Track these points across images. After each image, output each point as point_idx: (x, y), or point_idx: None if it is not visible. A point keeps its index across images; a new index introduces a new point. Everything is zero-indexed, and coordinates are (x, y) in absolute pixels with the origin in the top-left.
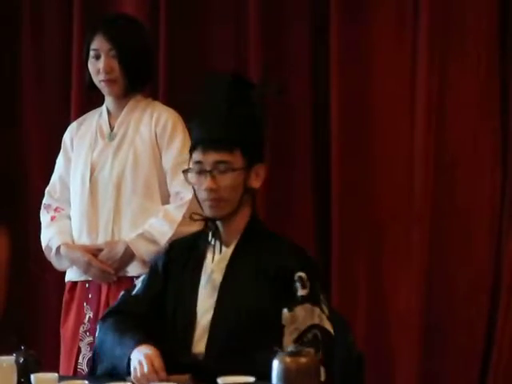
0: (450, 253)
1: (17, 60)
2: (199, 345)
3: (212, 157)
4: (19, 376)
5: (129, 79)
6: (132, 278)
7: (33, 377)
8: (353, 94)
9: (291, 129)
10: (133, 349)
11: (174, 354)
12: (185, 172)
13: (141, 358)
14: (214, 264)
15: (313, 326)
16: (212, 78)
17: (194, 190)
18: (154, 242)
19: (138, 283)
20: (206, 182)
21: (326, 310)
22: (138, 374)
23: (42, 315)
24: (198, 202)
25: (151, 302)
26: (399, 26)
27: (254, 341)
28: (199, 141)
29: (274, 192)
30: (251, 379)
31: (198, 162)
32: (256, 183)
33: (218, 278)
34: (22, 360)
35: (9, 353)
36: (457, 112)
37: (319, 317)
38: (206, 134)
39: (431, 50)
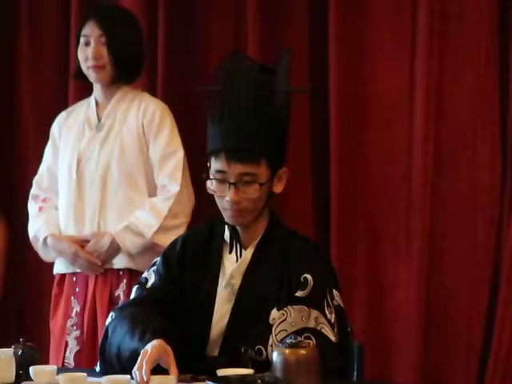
0: (449, 245)
1: (14, 49)
2: (213, 350)
3: (237, 168)
4: (18, 368)
5: (117, 67)
6: (118, 271)
7: (31, 369)
8: (352, 85)
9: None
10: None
11: (188, 355)
12: (205, 179)
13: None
14: (234, 269)
15: (305, 329)
16: (236, 69)
17: (215, 198)
18: (139, 234)
19: (151, 275)
20: (230, 193)
21: (331, 316)
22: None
23: (40, 307)
24: (218, 208)
25: (167, 295)
26: (397, 17)
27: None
28: (222, 148)
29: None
30: (250, 371)
31: (221, 172)
32: (278, 188)
33: (237, 282)
34: (20, 352)
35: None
36: (456, 103)
37: (316, 320)
38: (230, 141)
39: (430, 40)
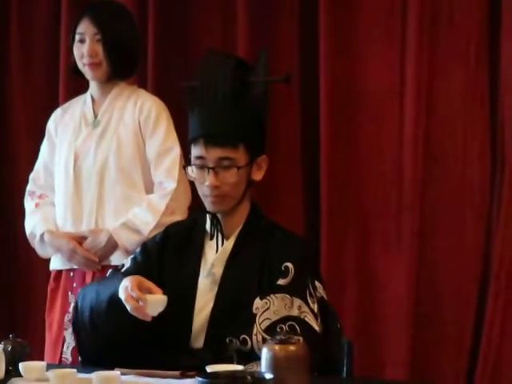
0: (439, 241)
1: (4, 47)
2: (197, 341)
3: (215, 153)
4: (7, 364)
5: (113, 64)
6: (116, 267)
7: (21, 365)
8: (342, 83)
9: (280, 118)
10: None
11: (171, 347)
12: (185, 167)
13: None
14: (215, 258)
15: (289, 318)
16: (214, 62)
17: (196, 185)
18: (137, 231)
19: (128, 261)
20: (209, 178)
21: (313, 306)
22: (124, 297)
23: (31, 303)
24: (199, 196)
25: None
26: (388, 14)
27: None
28: (200, 135)
29: (263, 182)
30: (240, 367)
31: (200, 157)
32: (258, 175)
33: (219, 271)
34: (10, 348)
35: None
36: (446, 100)
37: (299, 309)
38: (208, 128)
39: (420, 38)
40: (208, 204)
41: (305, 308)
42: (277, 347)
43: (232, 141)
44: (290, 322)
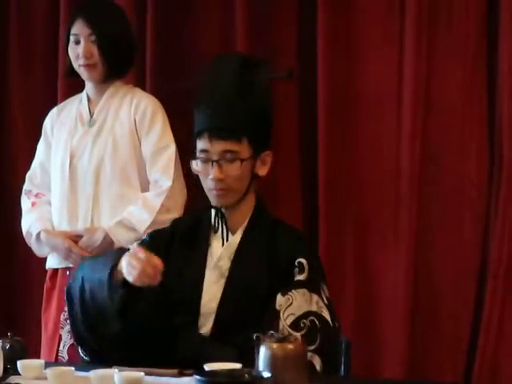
0: (437, 239)
1: (3, 47)
2: (203, 329)
3: (219, 146)
4: (6, 362)
5: (108, 65)
6: None
7: (19, 363)
8: (340, 81)
9: (278, 116)
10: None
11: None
12: (190, 160)
13: (131, 256)
14: (222, 251)
15: (310, 313)
16: (220, 61)
17: (200, 179)
18: (132, 229)
19: (134, 246)
20: (213, 171)
21: (326, 301)
22: (136, 270)
23: (28, 301)
24: (204, 190)
25: None
26: (386, 14)
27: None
28: (205, 128)
29: (262, 179)
30: (238, 365)
31: (204, 151)
32: (263, 171)
33: (225, 264)
34: (8, 346)
35: None
36: (444, 99)
37: (317, 304)
38: (212, 121)
39: (418, 36)
40: (212, 198)
41: (321, 303)
42: (275, 346)
43: (236, 134)
44: (311, 317)
